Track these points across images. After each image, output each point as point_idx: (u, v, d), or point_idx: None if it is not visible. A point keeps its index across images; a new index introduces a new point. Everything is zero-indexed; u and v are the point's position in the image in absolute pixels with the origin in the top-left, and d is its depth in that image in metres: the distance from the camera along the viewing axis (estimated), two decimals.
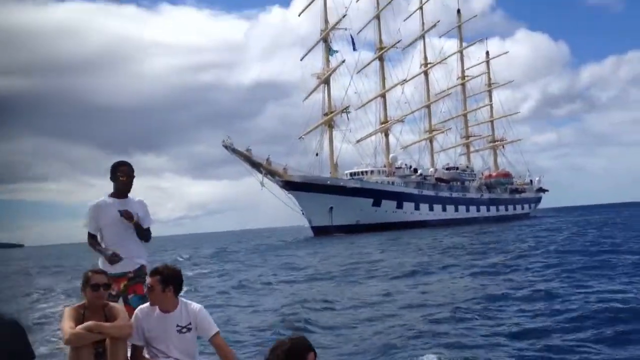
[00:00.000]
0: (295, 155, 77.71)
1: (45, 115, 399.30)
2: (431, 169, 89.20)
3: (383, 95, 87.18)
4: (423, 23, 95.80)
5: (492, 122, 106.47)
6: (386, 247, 39.27)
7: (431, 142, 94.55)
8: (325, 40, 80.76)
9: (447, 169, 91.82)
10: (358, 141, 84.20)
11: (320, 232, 70.80)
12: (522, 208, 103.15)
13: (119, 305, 5.00)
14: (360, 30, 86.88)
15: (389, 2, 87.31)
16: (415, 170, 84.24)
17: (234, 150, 65.92)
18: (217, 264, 33.69)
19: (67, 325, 4.51)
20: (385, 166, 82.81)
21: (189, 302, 4.85)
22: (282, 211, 73.73)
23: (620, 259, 19.96)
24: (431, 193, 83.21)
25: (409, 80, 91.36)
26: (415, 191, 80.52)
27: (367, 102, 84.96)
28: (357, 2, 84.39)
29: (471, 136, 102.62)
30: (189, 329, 4.71)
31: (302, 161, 76.64)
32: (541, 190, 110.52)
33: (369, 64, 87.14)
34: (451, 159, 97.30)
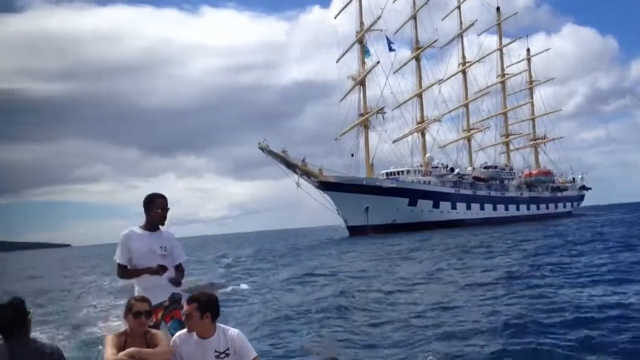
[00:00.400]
0: (333, 156, 78.99)
1: (89, 118, 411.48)
2: (469, 168, 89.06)
3: (420, 95, 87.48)
4: (461, 22, 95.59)
5: (533, 120, 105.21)
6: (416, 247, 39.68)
7: (469, 141, 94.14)
8: (360, 41, 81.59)
9: (486, 167, 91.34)
10: (394, 141, 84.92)
11: (356, 231, 71.65)
12: (564, 206, 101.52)
13: (160, 332, 5.03)
14: (397, 31, 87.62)
15: (426, 2, 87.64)
16: (452, 170, 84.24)
17: (270, 152, 67.34)
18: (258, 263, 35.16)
19: (109, 352, 4.58)
20: (421, 166, 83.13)
21: (227, 327, 4.88)
22: (319, 211, 74.99)
23: None
24: (468, 192, 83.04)
25: (447, 79, 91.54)
26: (452, 190, 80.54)
27: (403, 102, 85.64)
28: (393, 2, 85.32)
29: (511, 134, 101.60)
30: (227, 354, 4.73)
31: (340, 161, 78.02)
32: (584, 188, 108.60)
33: (405, 64, 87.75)
34: (490, 158, 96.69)
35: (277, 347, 10.71)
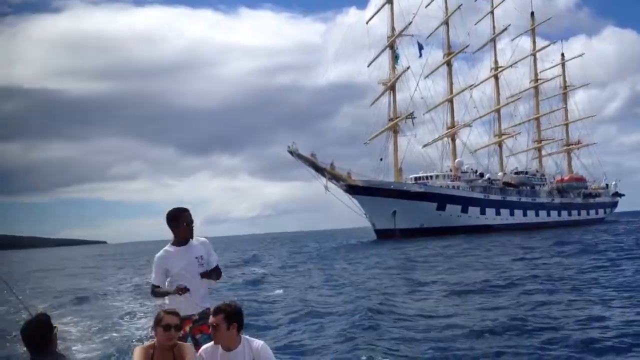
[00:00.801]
0: (365, 158, 79.97)
1: (126, 117, 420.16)
2: (500, 174, 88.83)
3: (450, 100, 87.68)
4: (494, 26, 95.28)
5: (566, 125, 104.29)
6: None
7: (500, 146, 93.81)
8: (391, 46, 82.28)
9: (516, 173, 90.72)
10: (424, 145, 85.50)
11: (384, 235, 72.28)
12: (597, 213, 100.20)
13: (187, 345, 5.08)
14: (429, 35, 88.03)
15: (459, 7, 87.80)
16: (482, 175, 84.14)
17: (299, 156, 68.39)
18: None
19: None
20: (451, 171, 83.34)
21: (251, 338, 4.90)
22: (349, 213, 75.75)
23: None
24: (498, 197, 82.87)
25: (478, 85, 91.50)
26: (481, 196, 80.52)
27: (434, 107, 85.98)
28: (426, 7, 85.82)
29: (544, 140, 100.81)
30: None
31: (371, 164, 79.00)
32: (617, 194, 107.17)
33: (437, 68, 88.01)
34: (522, 163, 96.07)
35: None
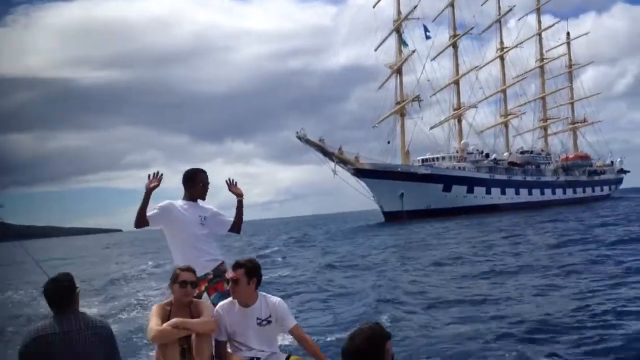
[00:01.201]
0: (374, 141, 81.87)
1: (140, 105, 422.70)
2: (505, 154, 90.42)
3: (457, 82, 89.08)
4: (499, 7, 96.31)
5: (572, 104, 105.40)
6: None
7: (506, 126, 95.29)
8: (397, 30, 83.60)
9: (522, 152, 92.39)
10: (432, 127, 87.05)
11: (392, 217, 74.28)
12: (602, 190, 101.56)
13: (204, 302, 5.11)
14: (435, 18, 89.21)
15: None
16: (487, 155, 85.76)
17: (308, 141, 70.09)
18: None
19: (154, 323, 4.63)
20: (457, 152, 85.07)
21: (268, 295, 4.97)
22: (359, 196, 77.66)
23: None
24: (503, 177, 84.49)
25: (484, 66, 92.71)
26: (487, 176, 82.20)
27: (439, 90, 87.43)
28: None
29: (549, 119, 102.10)
30: (269, 322, 4.82)
31: (380, 147, 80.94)
32: (622, 171, 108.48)
33: (442, 51, 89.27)
34: (527, 143, 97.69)
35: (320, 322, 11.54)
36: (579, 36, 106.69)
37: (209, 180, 6.03)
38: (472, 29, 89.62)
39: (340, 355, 3.00)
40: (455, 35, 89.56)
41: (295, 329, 4.91)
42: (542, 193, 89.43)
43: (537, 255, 21.06)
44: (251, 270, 4.75)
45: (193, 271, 4.93)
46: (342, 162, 72.55)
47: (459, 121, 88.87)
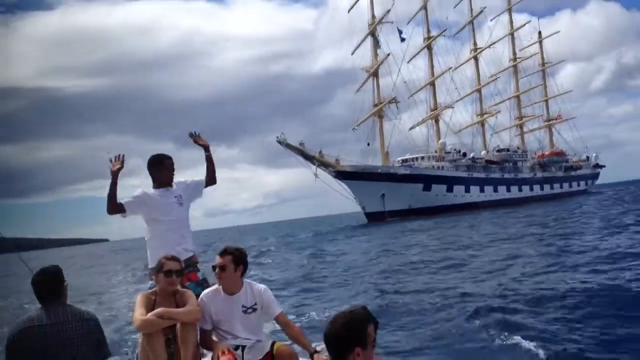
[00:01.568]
0: (354, 144, 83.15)
1: (122, 112, 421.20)
2: (483, 152, 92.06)
3: (432, 83, 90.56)
4: (472, 9, 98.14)
5: (546, 101, 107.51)
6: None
7: (483, 125, 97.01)
8: (372, 34, 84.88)
9: (498, 150, 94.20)
10: (410, 128, 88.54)
11: (374, 217, 75.27)
12: (578, 185, 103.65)
13: (189, 291, 5.00)
14: (409, 21, 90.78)
15: None
16: (465, 155, 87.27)
17: (288, 145, 70.90)
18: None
19: (138, 312, 4.63)
20: (436, 152, 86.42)
21: (253, 282, 4.96)
22: (343, 199, 78.52)
23: None
24: (481, 175, 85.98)
25: (458, 67, 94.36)
26: (465, 174, 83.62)
27: (416, 91, 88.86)
28: None
29: (524, 117, 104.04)
30: (255, 309, 4.83)
31: (359, 150, 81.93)
32: (598, 166, 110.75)
33: (417, 53, 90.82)
34: (503, 141, 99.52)
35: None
36: (550, 35, 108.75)
37: (174, 166, 5.94)
38: (444, 30, 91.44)
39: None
40: (429, 37, 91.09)
41: (281, 316, 4.92)
42: (520, 190, 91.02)
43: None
44: (238, 258, 4.75)
45: (178, 260, 4.92)
46: (323, 165, 73.39)
47: (437, 121, 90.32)
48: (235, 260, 4.72)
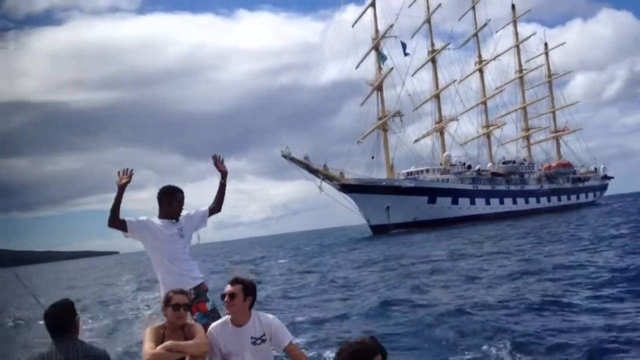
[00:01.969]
0: (360, 156, 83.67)
1: (132, 126, 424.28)
2: (489, 164, 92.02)
3: (437, 96, 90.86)
4: (476, 22, 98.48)
5: (553, 112, 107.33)
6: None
7: (489, 137, 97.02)
8: (376, 48, 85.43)
9: (504, 163, 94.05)
10: (415, 141, 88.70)
11: (379, 230, 75.44)
12: (586, 196, 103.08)
13: (197, 324, 5.03)
14: (413, 35, 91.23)
15: (439, 6, 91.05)
16: (470, 167, 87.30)
17: (292, 159, 71.47)
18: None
19: (147, 346, 4.61)
20: (441, 164, 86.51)
21: (262, 313, 4.90)
22: (352, 212, 78.83)
23: None
24: (487, 187, 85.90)
25: (463, 79, 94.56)
26: (470, 187, 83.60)
27: (421, 104, 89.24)
28: (409, 7, 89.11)
29: (531, 128, 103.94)
30: (264, 340, 4.76)
31: (364, 162, 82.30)
32: (606, 177, 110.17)
33: (421, 67, 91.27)
34: (510, 153, 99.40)
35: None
36: (556, 46, 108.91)
37: (184, 201, 5.89)
38: (449, 44, 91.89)
39: None
40: (433, 51, 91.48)
41: (291, 347, 4.83)
42: (527, 202, 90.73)
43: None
44: (248, 288, 4.71)
45: (186, 293, 4.94)
46: (328, 178, 73.80)
47: (442, 134, 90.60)
48: (245, 290, 4.68)
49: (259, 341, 4.72)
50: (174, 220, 5.74)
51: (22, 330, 18.83)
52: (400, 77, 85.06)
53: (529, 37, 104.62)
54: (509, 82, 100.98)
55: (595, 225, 37.57)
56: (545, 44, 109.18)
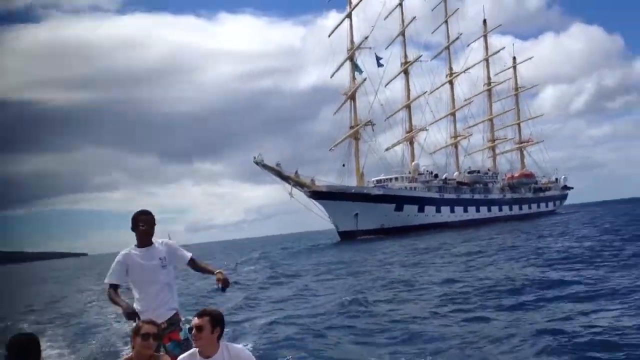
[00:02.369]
0: (331, 163, 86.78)
1: (106, 125, 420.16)
2: (456, 173, 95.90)
3: (408, 106, 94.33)
4: (449, 35, 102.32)
5: (518, 124, 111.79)
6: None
7: (456, 147, 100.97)
8: (351, 58, 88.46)
9: (470, 172, 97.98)
10: (386, 149, 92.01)
11: (346, 236, 78.51)
12: (547, 206, 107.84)
13: (165, 356, 4.93)
14: (388, 46, 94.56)
15: (413, 19, 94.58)
16: (436, 176, 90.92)
17: (265, 166, 73.83)
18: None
19: None
20: (409, 173, 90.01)
21: (230, 344, 4.79)
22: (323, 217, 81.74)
23: None
24: (452, 196, 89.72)
25: (433, 91, 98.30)
26: (437, 195, 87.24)
27: (393, 114, 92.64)
28: (385, 19, 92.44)
29: (497, 139, 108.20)
30: None
31: (336, 169, 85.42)
32: (566, 187, 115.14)
33: (394, 78, 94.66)
34: (475, 163, 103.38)
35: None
36: (524, 61, 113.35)
37: (155, 222, 5.92)
38: (420, 57, 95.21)
39: None
40: (407, 62, 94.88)
41: None
42: (489, 210, 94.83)
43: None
44: (216, 319, 4.58)
45: (156, 324, 4.82)
46: (299, 185, 76.45)
47: (411, 143, 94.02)
48: (213, 322, 4.55)
49: None
50: (148, 247, 5.86)
51: None
52: (374, 86, 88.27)
53: (498, 51, 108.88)
54: (478, 94, 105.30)
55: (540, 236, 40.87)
56: (514, 58, 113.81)
